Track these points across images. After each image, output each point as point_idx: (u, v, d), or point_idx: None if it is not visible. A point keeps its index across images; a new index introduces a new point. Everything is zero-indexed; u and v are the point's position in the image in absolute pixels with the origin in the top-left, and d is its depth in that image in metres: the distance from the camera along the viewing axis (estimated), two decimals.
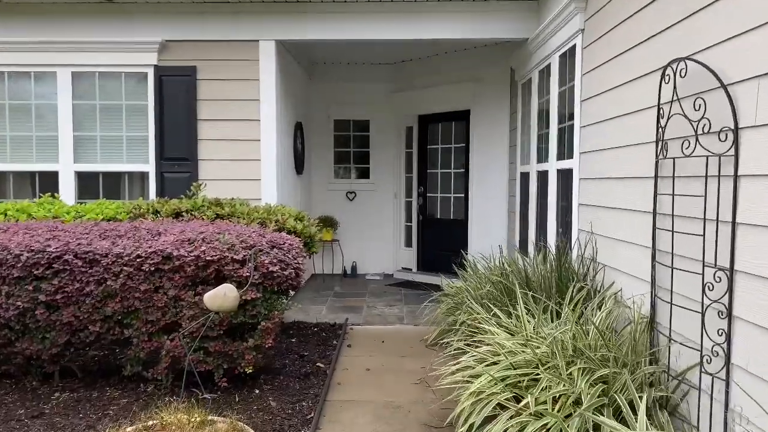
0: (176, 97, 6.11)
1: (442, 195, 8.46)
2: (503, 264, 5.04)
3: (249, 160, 6.15)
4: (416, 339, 5.41)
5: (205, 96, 6.14)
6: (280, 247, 3.99)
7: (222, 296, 3.48)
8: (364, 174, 9.09)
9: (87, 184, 6.26)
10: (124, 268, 3.75)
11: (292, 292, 4.17)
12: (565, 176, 5.11)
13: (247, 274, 3.72)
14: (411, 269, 8.80)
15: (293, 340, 5.29)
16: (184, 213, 5.06)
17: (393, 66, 8.81)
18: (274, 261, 3.83)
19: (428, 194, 8.63)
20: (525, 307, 3.77)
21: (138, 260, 3.75)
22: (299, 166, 7.58)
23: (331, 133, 9.00)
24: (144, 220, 4.74)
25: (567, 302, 3.81)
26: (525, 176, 6.52)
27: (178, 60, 6.12)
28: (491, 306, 4.27)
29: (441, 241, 8.47)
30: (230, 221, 4.97)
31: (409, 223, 8.89)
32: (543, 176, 5.81)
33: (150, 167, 6.17)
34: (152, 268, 3.75)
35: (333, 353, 4.87)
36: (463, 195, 8.16)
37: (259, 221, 4.99)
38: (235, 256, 3.76)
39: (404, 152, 8.89)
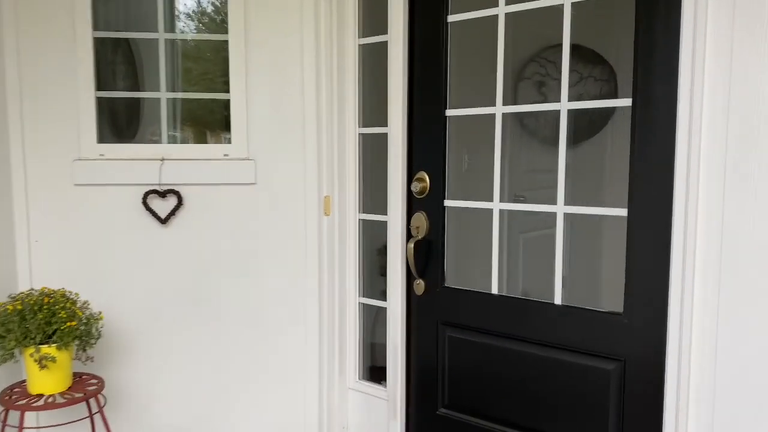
0: None
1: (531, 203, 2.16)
2: None
3: None
4: None
5: None
6: None
7: None
8: (212, 131, 2.63)
9: None
10: None
11: None
12: None
13: None
14: None
15: None
16: None
17: None
18: None
19: (447, 201, 2.29)
20: None
21: None
22: None
23: None
24: None
25: None
26: None
27: None
28: None
29: (507, 386, 2.18)
30: None
31: (373, 301, 2.55)
32: None
33: None
34: None
35: None
36: (624, 211, 1.89)
37: None
38: None
39: (357, 45, 2.50)
